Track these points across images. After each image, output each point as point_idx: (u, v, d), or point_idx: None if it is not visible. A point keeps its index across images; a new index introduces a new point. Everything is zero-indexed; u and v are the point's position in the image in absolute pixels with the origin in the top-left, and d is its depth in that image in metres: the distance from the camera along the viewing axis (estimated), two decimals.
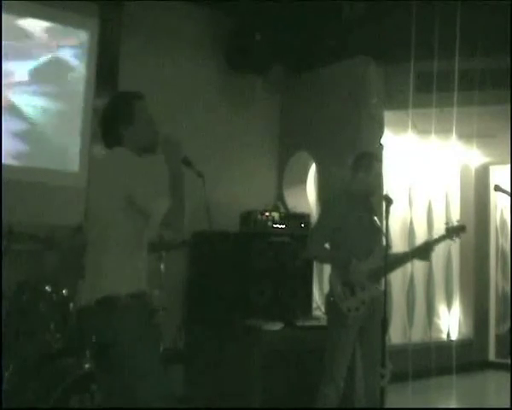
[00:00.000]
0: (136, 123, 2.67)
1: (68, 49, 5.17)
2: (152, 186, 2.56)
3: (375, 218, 3.97)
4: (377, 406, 3.71)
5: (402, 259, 4.07)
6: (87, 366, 3.61)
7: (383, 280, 3.73)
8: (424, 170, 7.59)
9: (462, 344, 7.68)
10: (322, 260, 4.55)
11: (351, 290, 3.81)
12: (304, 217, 5.63)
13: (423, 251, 4.02)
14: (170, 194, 2.57)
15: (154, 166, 2.62)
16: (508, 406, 5.06)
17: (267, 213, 5.32)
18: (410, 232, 7.39)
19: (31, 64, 4.97)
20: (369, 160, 3.98)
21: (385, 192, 4.12)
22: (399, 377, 5.79)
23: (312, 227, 4.54)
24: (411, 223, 7.47)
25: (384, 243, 3.80)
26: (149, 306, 2.72)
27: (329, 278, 3.96)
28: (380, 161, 4.07)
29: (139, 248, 2.68)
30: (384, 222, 3.75)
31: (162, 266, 4.28)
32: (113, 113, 2.70)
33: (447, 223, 4.03)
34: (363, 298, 3.82)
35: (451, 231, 3.95)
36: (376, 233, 3.90)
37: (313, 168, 6.44)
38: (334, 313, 3.90)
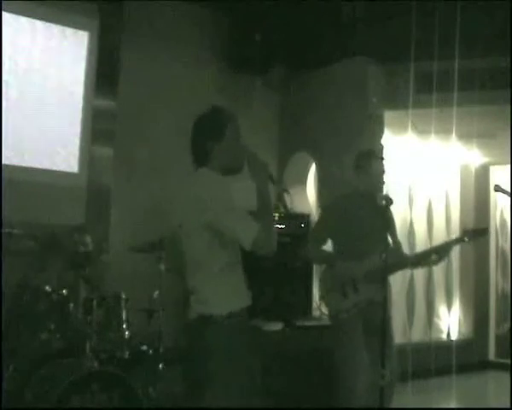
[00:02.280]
0: (226, 140, 2.63)
1: (68, 49, 5.17)
2: (236, 210, 2.52)
3: (381, 217, 3.86)
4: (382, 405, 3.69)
5: (405, 262, 4.01)
6: (87, 365, 3.61)
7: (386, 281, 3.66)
8: (424, 170, 7.59)
9: (462, 344, 7.67)
10: (316, 261, 4.50)
11: (342, 292, 3.75)
12: (304, 217, 5.63)
13: (431, 255, 3.95)
14: (258, 214, 2.54)
15: (238, 185, 2.64)
16: (508, 406, 5.06)
17: None
18: (410, 232, 7.39)
19: (31, 64, 4.97)
20: (368, 158, 3.92)
21: (385, 192, 4.08)
22: (399, 377, 5.78)
23: (312, 228, 4.49)
24: (411, 223, 7.47)
25: (387, 244, 3.76)
26: (246, 322, 2.72)
27: (319, 280, 3.91)
28: (380, 158, 3.97)
29: (233, 266, 2.66)
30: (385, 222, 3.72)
31: (162, 266, 4.27)
32: (203, 128, 2.68)
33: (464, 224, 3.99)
34: (356, 301, 3.74)
35: (469, 234, 3.84)
36: (379, 233, 3.82)
37: (313, 168, 6.44)
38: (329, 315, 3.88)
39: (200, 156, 2.66)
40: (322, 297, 3.91)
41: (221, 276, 2.62)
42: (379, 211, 3.85)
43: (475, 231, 3.86)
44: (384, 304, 3.60)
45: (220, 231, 2.53)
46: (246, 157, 2.63)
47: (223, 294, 2.63)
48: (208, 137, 2.65)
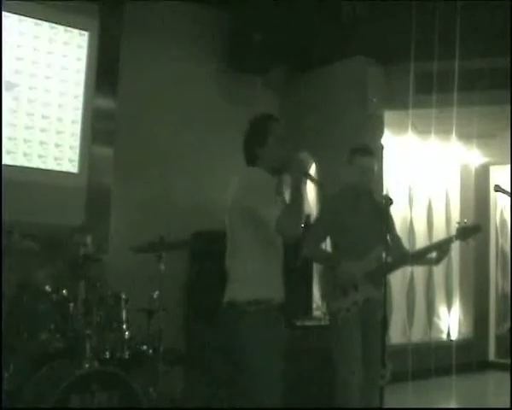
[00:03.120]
0: (269, 144, 2.91)
1: (68, 49, 5.17)
2: (272, 199, 2.77)
3: (378, 214, 3.80)
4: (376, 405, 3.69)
5: (405, 258, 3.99)
6: (87, 366, 3.61)
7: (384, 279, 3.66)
8: (424, 170, 7.59)
9: (462, 344, 7.68)
10: (317, 261, 4.48)
11: (343, 291, 3.74)
12: (304, 217, 5.61)
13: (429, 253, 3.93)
14: (288, 202, 2.77)
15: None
16: (508, 406, 5.06)
17: None
18: (410, 232, 7.40)
19: (31, 64, 4.97)
20: (359, 155, 3.84)
21: (385, 192, 4.06)
22: (399, 377, 5.78)
23: (309, 226, 4.45)
24: (411, 222, 7.48)
25: (385, 241, 3.75)
26: (270, 312, 2.88)
27: (320, 278, 3.91)
28: (371, 155, 3.87)
29: (266, 257, 2.87)
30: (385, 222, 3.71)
31: (162, 266, 4.27)
32: (249, 134, 2.98)
33: (459, 222, 3.93)
34: (356, 299, 3.73)
35: (463, 232, 3.80)
36: (377, 232, 3.80)
37: (313, 168, 6.44)
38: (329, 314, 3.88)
39: (250, 159, 2.97)
40: (323, 296, 3.91)
41: (252, 263, 2.83)
42: (375, 208, 3.85)
43: (467, 230, 3.83)
44: (384, 302, 3.62)
45: (252, 210, 2.75)
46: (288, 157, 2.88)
47: (250, 280, 2.83)
48: (254, 143, 2.94)
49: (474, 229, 3.84)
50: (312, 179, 2.94)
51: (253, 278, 2.83)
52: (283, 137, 2.95)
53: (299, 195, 2.78)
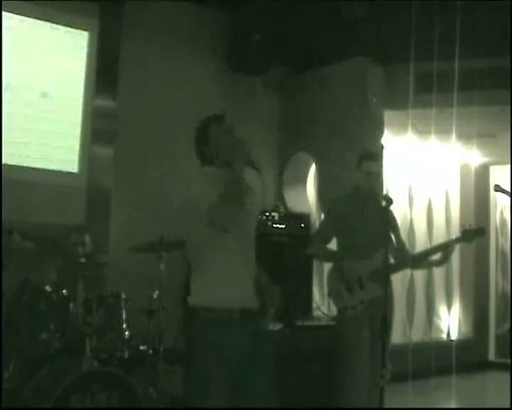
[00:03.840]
0: (211, 143, 2.92)
1: (68, 49, 5.17)
2: (213, 194, 2.67)
3: (384, 217, 3.88)
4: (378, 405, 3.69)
5: (408, 261, 4.04)
6: (87, 365, 3.61)
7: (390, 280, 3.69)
8: (424, 170, 7.59)
9: (462, 344, 7.68)
10: (322, 259, 4.52)
11: (348, 287, 3.79)
12: (304, 217, 5.63)
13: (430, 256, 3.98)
14: (224, 191, 2.67)
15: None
16: (508, 406, 5.06)
17: (267, 213, 5.31)
18: (410, 232, 7.40)
19: (31, 64, 4.97)
20: (367, 159, 3.94)
21: (385, 192, 4.09)
22: (399, 377, 5.78)
23: (317, 226, 4.52)
24: (411, 222, 7.47)
25: (390, 243, 3.79)
26: (228, 320, 2.74)
27: (327, 276, 3.95)
28: (377, 160, 3.99)
29: (229, 262, 2.78)
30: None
31: (162, 266, 4.27)
32: (195, 137, 3.00)
33: (463, 225, 3.99)
34: (362, 297, 3.77)
35: (467, 235, 3.86)
36: (383, 234, 3.84)
37: (313, 168, 6.44)
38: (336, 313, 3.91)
39: (202, 160, 2.96)
40: (329, 294, 3.95)
41: (210, 268, 2.74)
42: (382, 211, 3.88)
43: (471, 232, 3.87)
44: (387, 303, 3.63)
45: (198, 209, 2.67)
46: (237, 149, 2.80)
47: (207, 286, 2.74)
48: (198, 143, 2.97)
49: (477, 232, 3.88)
50: (254, 166, 2.85)
51: (210, 285, 2.73)
52: (226, 130, 2.95)
53: (235, 184, 2.69)
